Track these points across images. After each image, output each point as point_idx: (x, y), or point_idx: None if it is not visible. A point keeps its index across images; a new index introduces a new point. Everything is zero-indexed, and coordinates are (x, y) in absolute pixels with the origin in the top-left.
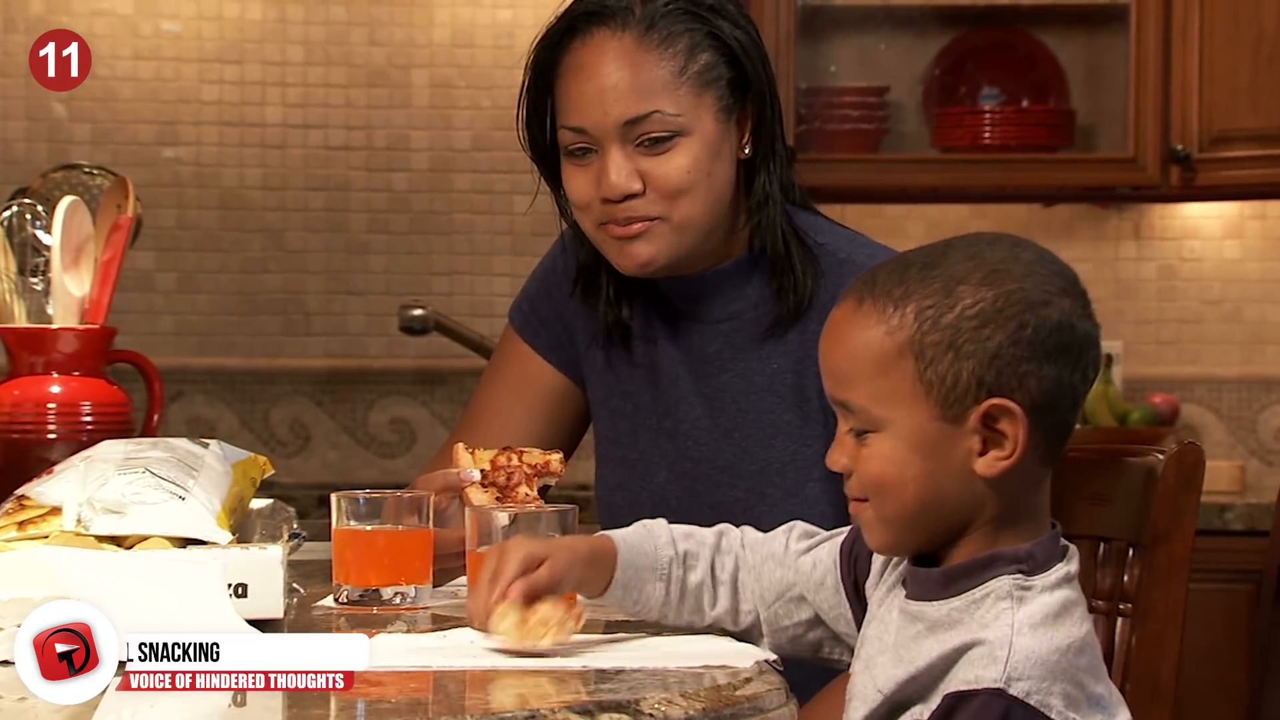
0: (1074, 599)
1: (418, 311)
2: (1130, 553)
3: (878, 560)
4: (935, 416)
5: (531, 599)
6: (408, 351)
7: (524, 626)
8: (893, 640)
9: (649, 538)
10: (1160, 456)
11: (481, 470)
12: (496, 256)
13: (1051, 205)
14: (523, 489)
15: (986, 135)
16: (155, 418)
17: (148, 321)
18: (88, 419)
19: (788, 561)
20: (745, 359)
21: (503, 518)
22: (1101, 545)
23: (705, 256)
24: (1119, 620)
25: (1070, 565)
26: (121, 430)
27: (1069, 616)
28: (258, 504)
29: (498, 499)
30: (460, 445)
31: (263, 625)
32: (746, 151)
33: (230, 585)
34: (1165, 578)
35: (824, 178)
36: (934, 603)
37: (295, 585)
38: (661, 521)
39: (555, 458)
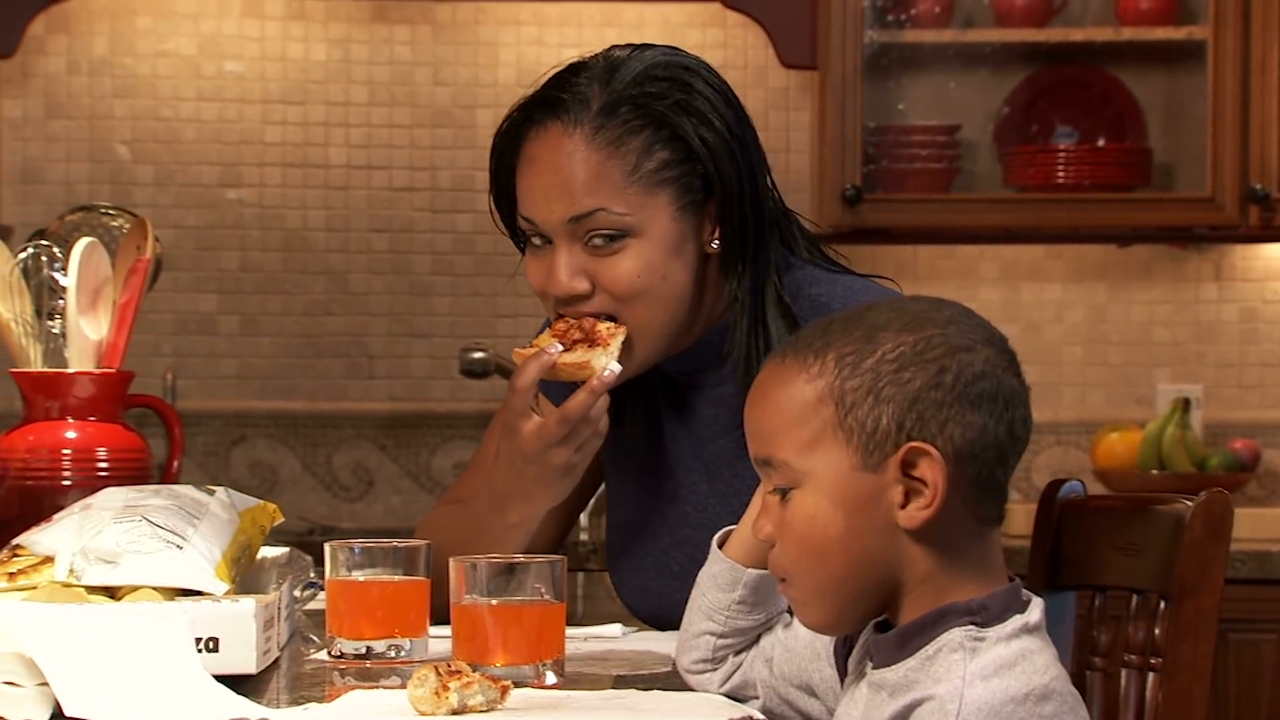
0: (1034, 648)
1: (478, 354)
2: (1161, 605)
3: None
4: (857, 465)
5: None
6: (471, 395)
7: (436, 698)
8: (860, 714)
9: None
10: (1189, 504)
11: (559, 343)
12: None
13: (1127, 246)
14: (600, 326)
15: (1060, 174)
16: (175, 464)
17: (210, 365)
18: (103, 465)
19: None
20: (741, 424)
21: (488, 568)
22: (1134, 597)
23: (685, 336)
24: (1150, 675)
25: (1030, 616)
26: (138, 477)
27: (1027, 664)
28: (274, 552)
29: (590, 347)
30: (518, 350)
31: (236, 681)
32: (714, 247)
33: (200, 640)
34: (1193, 632)
35: (893, 218)
36: (892, 667)
37: (311, 636)
38: None
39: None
